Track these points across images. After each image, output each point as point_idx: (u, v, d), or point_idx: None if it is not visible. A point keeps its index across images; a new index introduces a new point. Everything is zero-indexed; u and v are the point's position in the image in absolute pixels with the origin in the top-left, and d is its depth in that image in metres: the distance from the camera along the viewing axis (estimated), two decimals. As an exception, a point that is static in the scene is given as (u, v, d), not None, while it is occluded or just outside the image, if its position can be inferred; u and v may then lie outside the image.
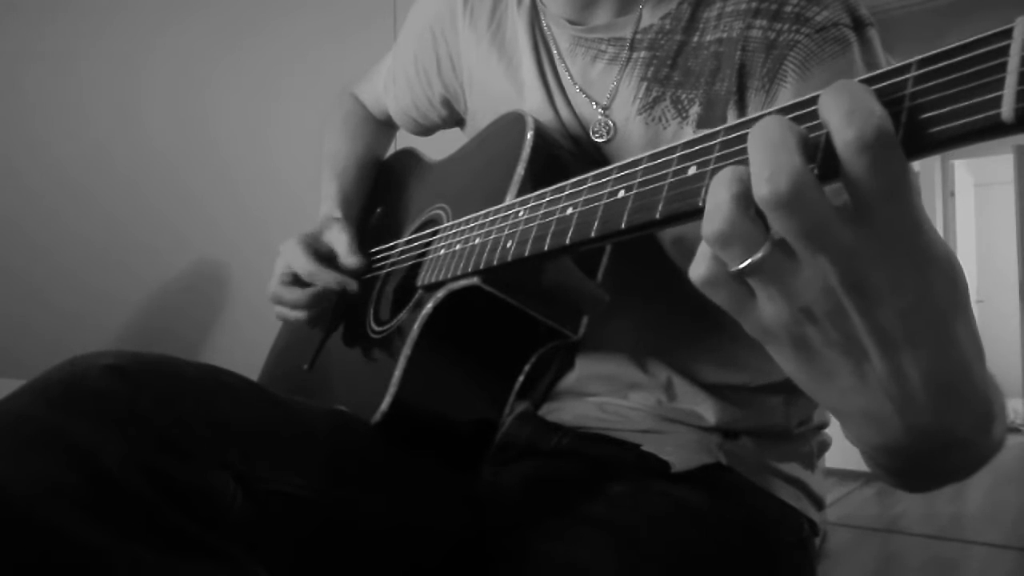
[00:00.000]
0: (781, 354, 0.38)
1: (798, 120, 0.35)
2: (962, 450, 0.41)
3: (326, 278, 0.82)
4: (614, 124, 0.75)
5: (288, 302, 0.84)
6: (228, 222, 1.76)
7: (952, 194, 6.07)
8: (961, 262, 0.36)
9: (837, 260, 0.33)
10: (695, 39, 0.72)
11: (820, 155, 0.34)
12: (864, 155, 0.31)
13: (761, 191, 0.32)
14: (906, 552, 2.84)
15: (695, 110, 0.70)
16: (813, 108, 0.35)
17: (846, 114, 0.31)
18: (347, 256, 0.84)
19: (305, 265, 0.83)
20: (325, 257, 0.86)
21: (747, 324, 0.37)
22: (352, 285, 0.83)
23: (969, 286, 0.36)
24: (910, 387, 0.36)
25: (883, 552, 2.83)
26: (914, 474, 0.45)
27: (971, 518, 3.31)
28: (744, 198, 0.34)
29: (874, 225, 0.32)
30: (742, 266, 0.34)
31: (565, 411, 0.78)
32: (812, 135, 0.34)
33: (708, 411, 0.74)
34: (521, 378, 0.73)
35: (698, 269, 0.36)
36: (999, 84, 0.29)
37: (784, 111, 0.37)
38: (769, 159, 0.32)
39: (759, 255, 0.34)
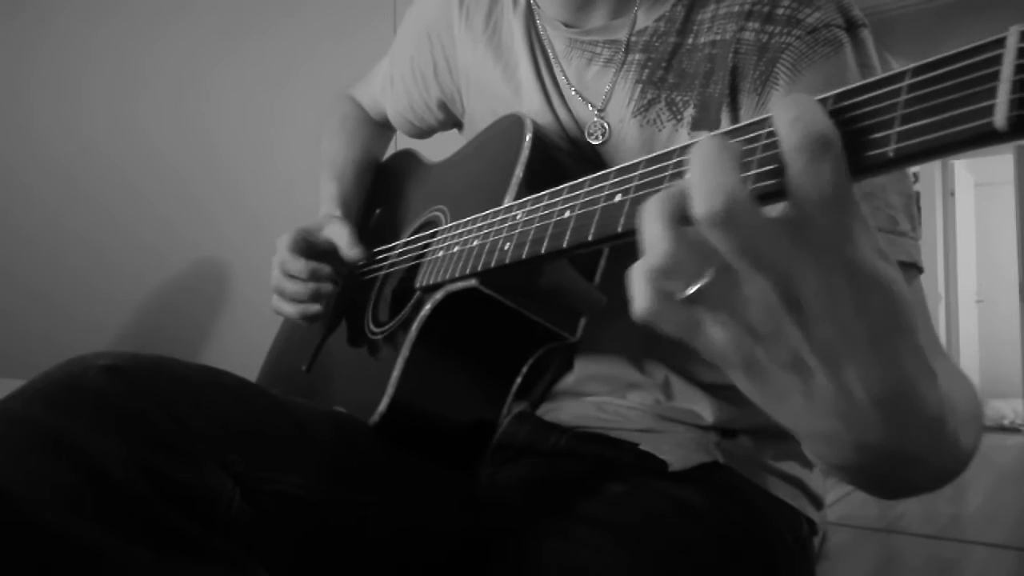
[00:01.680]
0: (735, 376, 0.38)
1: (753, 139, 0.37)
2: (916, 466, 0.41)
3: (297, 267, 0.84)
4: (609, 126, 0.75)
5: (289, 294, 0.85)
6: (228, 222, 1.77)
7: (952, 194, 6.07)
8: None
9: (775, 276, 0.34)
10: (689, 41, 0.72)
11: (758, 169, 0.35)
12: (801, 160, 0.32)
13: (698, 210, 0.33)
14: (906, 552, 2.84)
15: (689, 112, 0.70)
16: (761, 131, 0.37)
17: (791, 120, 0.32)
18: (348, 248, 0.85)
19: (281, 254, 0.85)
20: (321, 251, 0.86)
21: (700, 349, 0.38)
22: (324, 271, 0.84)
23: (906, 306, 0.36)
24: (856, 404, 0.36)
25: (883, 552, 2.83)
26: (874, 487, 0.46)
27: (971, 518, 3.31)
28: (678, 225, 0.34)
29: (810, 235, 0.33)
30: (688, 294, 0.35)
31: (563, 411, 0.78)
32: (766, 153, 0.36)
33: (706, 410, 0.75)
34: (519, 379, 0.74)
35: (642, 303, 0.36)
36: (992, 92, 0.29)
37: (742, 129, 0.38)
38: (705, 179, 0.33)
39: (704, 281, 0.35)
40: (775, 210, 0.34)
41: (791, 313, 0.34)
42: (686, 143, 0.42)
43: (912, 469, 0.41)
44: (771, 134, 0.36)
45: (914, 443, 0.39)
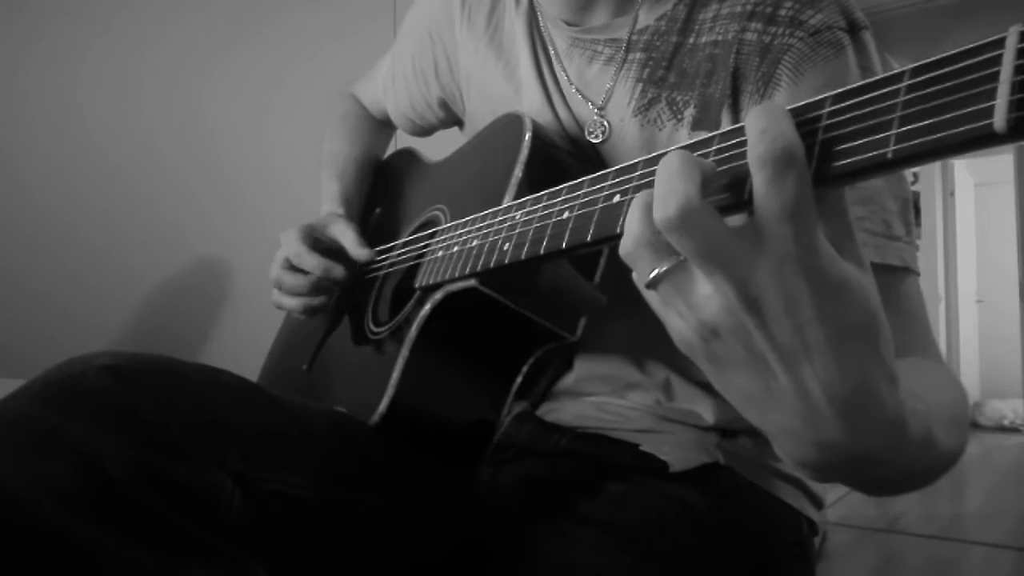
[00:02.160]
0: (704, 369, 0.40)
1: (732, 146, 0.39)
2: (878, 465, 0.41)
3: (311, 262, 0.83)
4: (609, 125, 0.75)
5: (288, 287, 0.85)
6: (228, 222, 1.77)
7: (952, 194, 6.07)
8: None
9: (732, 278, 0.35)
10: (691, 41, 0.72)
11: (731, 181, 0.37)
12: (764, 171, 0.34)
13: (656, 215, 0.36)
14: (906, 552, 2.84)
15: (690, 112, 0.70)
16: (740, 139, 0.38)
17: (760, 132, 0.34)
18: (355, 248, 0.85)
19: (295, 248, 0.84)
20: (326, 249, 0.86)
21: (670, 333, 0.40)
22: (338, 271, 0.84)
23: (873, 312, 0.37)
24: (813, 402, 0.37)
25: (883, 552, 2.83)
26: (850, 483, 0.46)
27: (971, 518, 3.31)
28: (648, 219, 0.37)
29: (769, 244, 0.34)
30: (647, 280, 0.38)
31: (563, 411, 0.78)
32: (724, 156, 0.38)
33: (706, 410, 0.74)
34: (519, 379, 0.74)
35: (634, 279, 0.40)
36: (991, 94, 0.29)
37: (724, 136, 0.40)
38: (663, 186, 0.36)
39: (661, 270, 0.37)
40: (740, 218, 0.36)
41: (750, 314, 0.36)
42: (685, 143, 0.42)
43: (877, 469, 0.42)
44: (741, 143, 0.37)
45: (873, 445, 0.39)
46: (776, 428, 0.40)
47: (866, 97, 0.34)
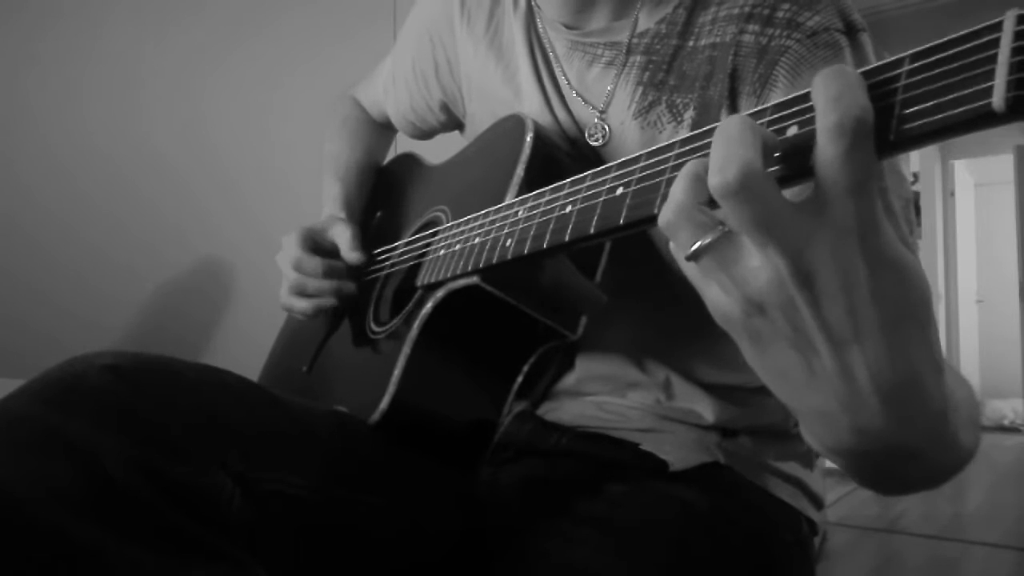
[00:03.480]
0: (740, 345, 0.39)
1: (784, 117, 0.37)
2: (914, 459, 0.41)
3: (311, 265, 0.83)
4: (609, 128, 0.75)
5: (311, 290, 0.85)
6: (228, 222, 1.77)
7: (952, 194, 6.07)
8: (922, 274, 0.36)
9: (787, 252, 0.34)
10: (690, 44, 0.72)
11: (784, 148, 0.35)
12: (839, 141, 0.32)
13: (713, 180, 0.34)
14: (906, 552, 2.84)
15: (690, 114, 0.70)
16: (797, 108, 0.37)
17: (833, 98, 0.32)
18: (348, 251, 0.85)
19: (294, 252, 0.84)
20: (326, 251, 0.86)
21: (708, 306, 0.39)
22: (339, 271, 0.84)
23: (928, 298, 0.36)
24: (858, 387, 0.36)
25: (883, 552, 2.83)
26: (871, 478, 0.45)
27: (971, 518, 3.31)
28: (695, 188, 0.36)
29: (831, 218, 0.33)
30: (688, 252, 0.36)
31: (564, 410, 0.78)
32: (775, 127, 0.36)
33: (707, 410, 0.75)
34: (520, 378, 0.74)
35: (671, 246, 0.38)
36: (990, 75, 0.30)
37: (778, 107, 0.38)
38: (723, 151, 0.34)
39: (707, 240, 0.35)
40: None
41: (801, 290, 0.34)
42: (687, 135, 0.43)
43: (908, 462, 0.41)
44: (803, 111, 0.36)
45: (913, 435, 0.38)
46: (812, 410, 0.39)
47: (868, 82, 0.34)
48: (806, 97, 0.36)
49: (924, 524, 3.07)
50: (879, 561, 2.74)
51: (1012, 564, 2.70)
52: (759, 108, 0.39)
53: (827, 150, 0.32)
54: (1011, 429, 5.79)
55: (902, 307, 0.35)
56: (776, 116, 0.38)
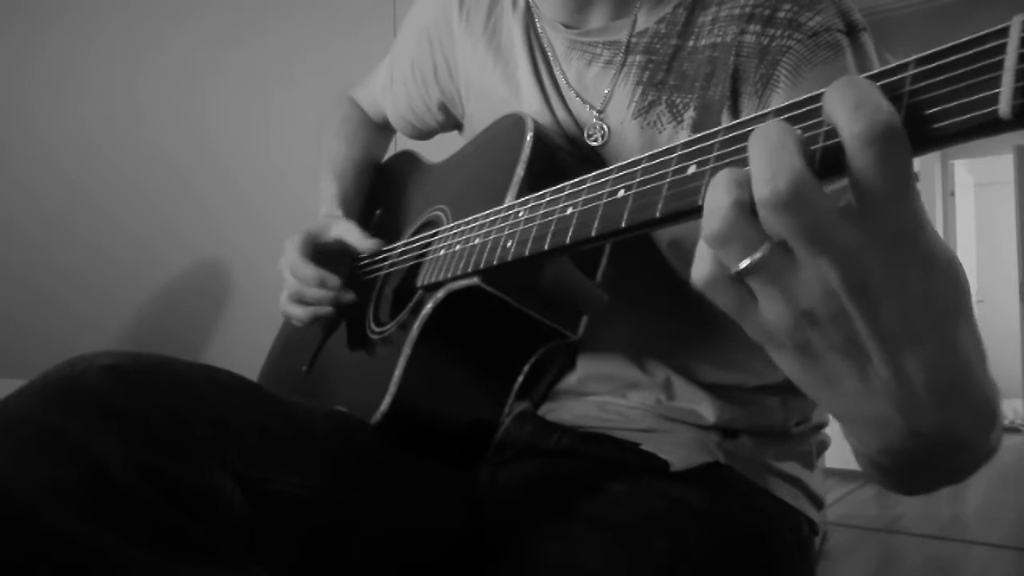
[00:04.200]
0: (784, 359, 0.37)
1: (794, 120, 0.36)
2: (962, 451, 0.41)
3: (307, 273, 0.84)
4: (608, 128, 0.75)
5: (311, 299, 0.85)
6: (228, 222, 1.76)
7: (952, 194, 6.07)
8: (961, 262, 0.36)
9: (839, 261, 0.33)
10: (690, 43, 0.72)
11: (819, 155, 0.34)
12: (871, 149, 0.31)
13: (762, 192, 0.32)
14: (906, 552, 2.84)
15: (690, 115, 0.70)
16: (809, 108, 0.35)
17: (853, 108, 0.31)
18: (362, 241, 0.86)
19: (292, 257, 0.84)
20: (328, 254, 0.86)
21: (749, 328, 0.37)
22: (333, 281, 0.84)
23: (970, 286, 0.36)
24: (913, 389, 0.35)
25: (883, 552, 2.83)
26: (913, 476, 0.45)
27: (971, 518, 3.31)
28: (742, 200, 0.34)
29: (877, 223, 0.32)
30: (741, 267, 0.34)
31: (564, 411, 0.78)
32: (807, 135, 0.35)
33: (707, 410, 0.74)
34: (520, 378, 0.74)
35: (700, 271, 0.36)
36: (996, 81, 0.30)
37: (781, 111, 0.37)
38: (770, 161, 0.32)
39: (758, 255, 0.34)
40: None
41: (854, 298, 0.33)
42: (689, 138, 0.43)
43: (957, 453, 0.41)
44: (813, 112, 0.35)
45: (964, 426, 0.38)
46: (863, 416, 0.38)
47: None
48: (811, 100, 0.35)
49: (924, 524, 3.08)
50: (879, 561, 2.74)
51: (1012, 564, 2.70)
52: (763, 112, 0.38)
53: (860, 159, 0.31)
54: (1011, 429, 5.79)
55: (952, 303, 0.35)
56: (795, 115, 0.36)
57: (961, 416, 0.38)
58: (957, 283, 0.35)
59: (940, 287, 0.34)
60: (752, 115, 0.39)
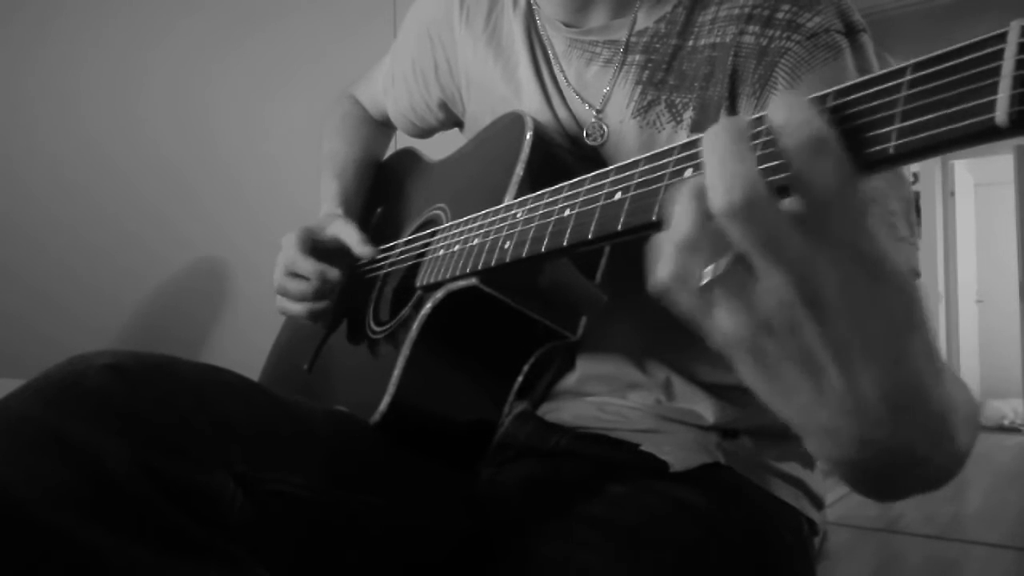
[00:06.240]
0: (742, 367, 0.38)
1: (757, 133, 0.37)
2: (919, 466, 0.41)
3: (307, 267, 0.83)
4: (608, 128, 0.75)
5: (293, 293, 0.85)
6: (228, 221, 1.76)
7: (952, 194, 6.07)
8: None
9: (793, 271, 0.33)
10: (690, 43, 0.72)
11: (776, 165, 0.35)
12: (802, 159, 0.32)
13: (718, 202, 0.33)
14: (906, 552, 2.84)
15: (689, 115, 0.70)
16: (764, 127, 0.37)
17: (785, 122, 0.32)
18: (358, 246, 0.85)
19: (291, 253, 0.84)
20: (326, 251, 0.86)
21: (708, 335, 0.38)
22: (333, 274, 0.84)
23: (923, 303, 0.36)
24: (866, 400, 0.36)
25: (883, 552, 2.83)
26: (874, 484, 0.46)
27: (971, 518, 3.31)
28: (704, 210, 0.34)
29: (825, 233, 0.33)
30: (704, 276, 0.35)
31: (564, 411, 0.78)
32: (771, 149, 0.36)
33: (707, 410, 0.74)
34: (520, 378, 0.74)
35: (662, 275, 0.37)
36: (993, 88, 0.29)
37: (753, 123, 0.38)
38: (723, 171, 0.33)
39: (720, 269, 0.35)
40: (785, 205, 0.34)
41: (808, 309, 0.34)
42: (686, 140, 0.42)
43: (913, 467, 0.41)
44: (769, 131, 0.36)
45: (918, 440, 0.39)
46: (819, 427, 0.38)
47: (868, 92, 0.34)
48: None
49: (924, 524, 3.07)
50: (879, 561, 2.74)
51: (1012, 564, 2.70)
52: (757, 115, 0.38)
53: (794, 167, 0.33)
54: (1011, 429, 5.79)
55: (904, 317, 0.35)
56: (753, 131, 0.37)
57: (914, 429, 0.38)
58: (910, 299, 0.35)
59: (891, 301, 0.34)
60: (753, 116, 0.38)
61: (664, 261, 0.37)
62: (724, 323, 0.36)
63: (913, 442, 0.38)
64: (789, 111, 0.33)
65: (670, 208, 0.41)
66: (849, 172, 0.32)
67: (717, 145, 0.34)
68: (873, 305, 0.34)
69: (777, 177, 0.35)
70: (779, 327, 0.35)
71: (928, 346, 0.36)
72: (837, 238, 0.33)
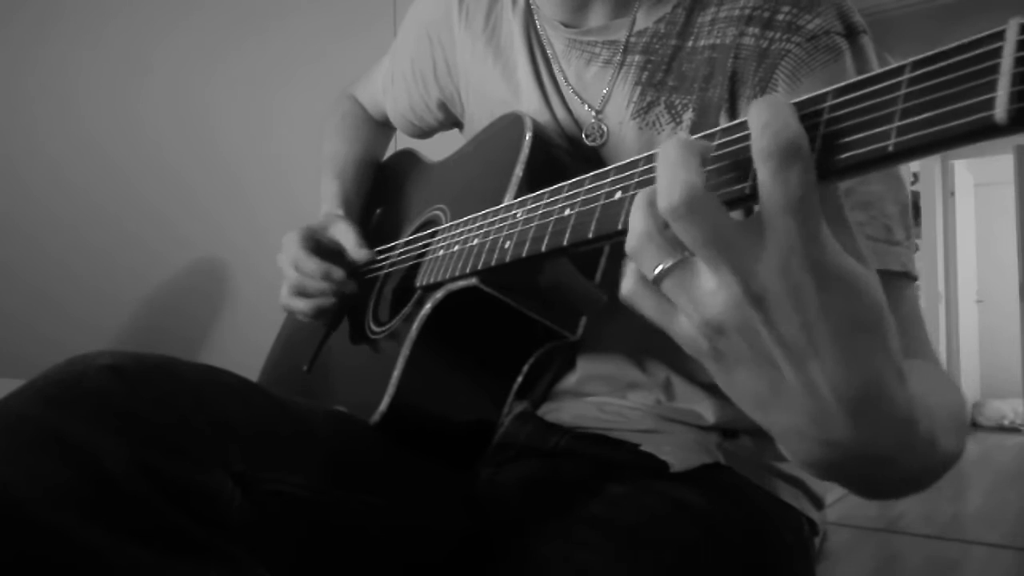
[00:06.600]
0: (708, 367, 0.39)
1: (729, 142, 0.39)
2: (884, 466, 0.41)
3: (311, 266, 0.83)
4: (607, 128, 0.75)
5: (312, 291, 0.85)
6: (228, 222, 1.76)
7: (952, 194, 6.07)
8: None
9: (739, 271, 0.35)
10: (690, 44, 0.72)
11: (737, 175, 0.37)
12: (768, 164, 0.33)
13: (661, 204, 0.35)
14: (906, 552, 2.84)
15: (688, 116, 0.70)
16: (743, 133, 0.38)
17: (763, 125, 0.33)
18: (355, 250, 0.85)
19: (294, 252, 0.84)
20: (327, 251, 0.86)
21: (674, 337, 0.39)
22: (337, 273, 0.84)
23: (880, 305, 0.36)
24: (822, 400, 0.36)
25: (883, 552, 2.83)
26: (855, 486, 0.45)
27: (971, 518, 3.31)
28: (651, 214, 0.37)
29: (774, 236, 0.34)
30: (652, 275, 0.37)
31: (564, 411, 0.78)
32: (738, 158, 0.38)
33: (707, 410, 0.74)
34: (520, 378, 0.74)
35: (624, 283, 0.40)
36: (992, 86, 0.29)
37: (721, 132, 0.40)
38: (666, 175, 0.35)
39: (667, 265, 0.37)
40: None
41: (755, 309, 0.35)
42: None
43: (881, 468, 0.41)
44: (744, 138, 0.37)
45: (881, 443, 0.39)
46: (782, 427, 0.39)
47: (868, 91, 0.34)
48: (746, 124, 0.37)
49: (924, 524, 3.08)
50: (879, 561, 2.74)
51: (1012, 564, 2.70)
52: (708, 132, 0.40)
53: (760, 172, 0.34)
54: (1011, 429, 5.79)
55: (854, 318, 0.35)
56: (726, 140, 0.39)
57: (875, 431, 0.38)
58: (859, 300, 0.35)
59: (840, 301, 0.35)
60: (729, 124, 0.40)
61: (627, 268, 0.39)
62: (682, 324, 0.38)
63: (875, 443, 0.38)
64: (770, 113, 0.34)
65: None
66: (813, 181, 0.33)
67: (667, 154, 0.36)
68: (820, 308, 0.35)
69: (737, 187, 0.37)
70: (729, 327, 0.36)
71: (886, 347, 0.37)
72: (785, 244, 0.34)
